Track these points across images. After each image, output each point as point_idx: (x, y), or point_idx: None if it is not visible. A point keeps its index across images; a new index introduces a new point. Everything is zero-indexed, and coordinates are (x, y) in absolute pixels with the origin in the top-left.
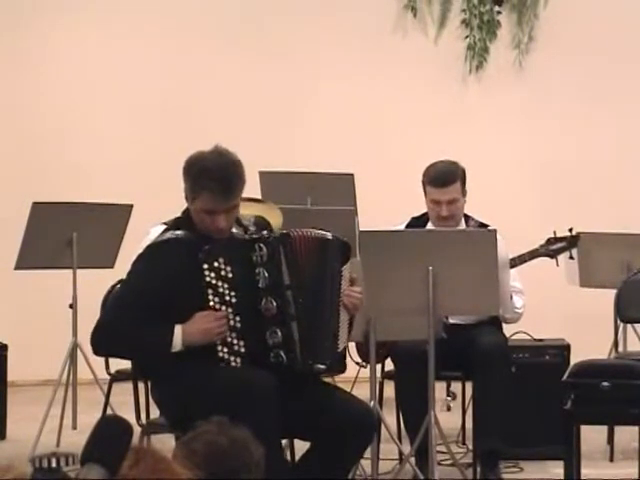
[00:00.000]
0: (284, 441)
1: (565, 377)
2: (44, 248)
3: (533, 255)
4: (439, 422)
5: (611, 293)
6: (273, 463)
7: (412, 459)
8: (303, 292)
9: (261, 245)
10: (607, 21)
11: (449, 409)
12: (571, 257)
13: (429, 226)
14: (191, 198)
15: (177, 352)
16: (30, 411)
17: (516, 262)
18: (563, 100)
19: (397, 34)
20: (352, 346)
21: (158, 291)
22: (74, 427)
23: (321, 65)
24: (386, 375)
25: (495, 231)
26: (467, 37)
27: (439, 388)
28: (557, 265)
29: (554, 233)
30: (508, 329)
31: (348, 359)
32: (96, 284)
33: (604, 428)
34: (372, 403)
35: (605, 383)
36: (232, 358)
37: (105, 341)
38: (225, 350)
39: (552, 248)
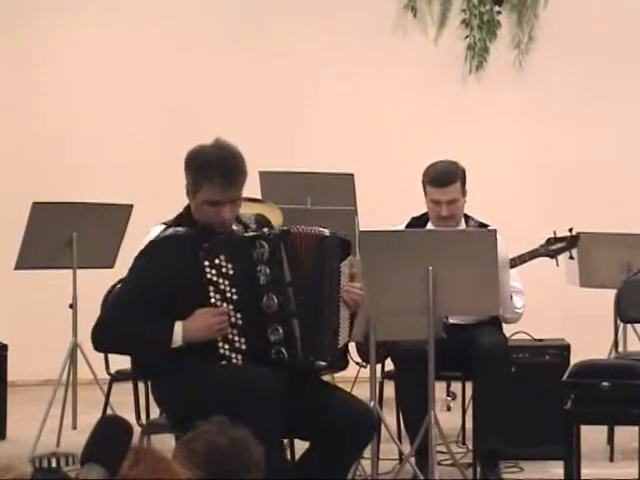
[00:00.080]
0: (284, 441)
1: (565, 377)
2: (44, 248)
3: (533, 255)
4: (439, 422)
5: (611, 293)
6: (274, 463)
7: (412, 459)
8: (303, 289)
9: (262, 242)
10: (607, 21)
11: (449, 409)
12: (571, 257)
13: (429, 226)
14: (193, 191)
15: (178, 349)
16: (30, 411)
17: (516, 262)
18: (563, 100)
19: (397, 34)
20: (352, 346)
21: (159, 288)
22: (74, 427)
23: (321, 65)
24: (386, 375)
25: (495, 231)
26: (467, 37)
27: (439, 388)
28: (557, 265)
29: (554, 233)
30: (508, 329)
31: (348, 358)
32: (96, 284)
33: (604, 428)
34: (372, 403)
35: (605, 383)
36: (233, 355)
37: (106, 337)
38: (226, 347)
39: (552, 248)
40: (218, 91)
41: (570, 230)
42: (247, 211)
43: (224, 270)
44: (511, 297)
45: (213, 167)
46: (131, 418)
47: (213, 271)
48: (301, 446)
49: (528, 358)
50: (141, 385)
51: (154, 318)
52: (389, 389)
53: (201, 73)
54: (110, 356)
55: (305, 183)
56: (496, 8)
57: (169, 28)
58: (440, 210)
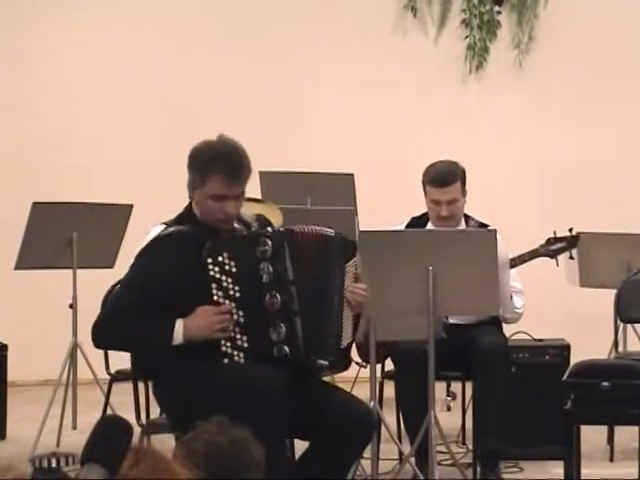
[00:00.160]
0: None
1: (565, 377)
2: (44, 248)
3: (533, 255)
4: (439, 422)
5: (611, 293)
6: (276, 462)
7: (412, 459)
8: (306, 288)
9: (266, 240)
10: (607, 21)
11: (449, 409)
12: (571, 257)
13: (429, 226)
14: (198, 186)
15: (179, 348)
16: (30, 411)
17: (516, 262)
18: (563, 100)
19: (397, 34)
20: (352, 346)
21: (161, 285)
22: (74, 427)
23: (321, 65)
24: (386, 375)
25: (495, 231)
26: (467, 37)
27: (439, 388)
28: (557, 265)
29: (554, 233)
30: (508, 329)
31: (351, 359)
32: (96, 284)
33: (604, 428)
34: (372, 403)
35: (605, 383)
36: (235, 353)
37: (106, 334)
38: (228, 345)
39: (552, 248)
40: (218, 91)
41: (570, 230)
42: (247, 211)
43: (227, 268)
44: (511, 297)
45: (220, 161)
46: (131, 418)
47: (216, 268)
48: (301, 446)
49: (528, 358)
50: (141, 385)
51: (155, 315)
52: (389, 389)
53: (201, 73)
54: (110, 356)
55: (305, 183)
56: (496, 8)
57: (169, 28)
58: (440, 210)
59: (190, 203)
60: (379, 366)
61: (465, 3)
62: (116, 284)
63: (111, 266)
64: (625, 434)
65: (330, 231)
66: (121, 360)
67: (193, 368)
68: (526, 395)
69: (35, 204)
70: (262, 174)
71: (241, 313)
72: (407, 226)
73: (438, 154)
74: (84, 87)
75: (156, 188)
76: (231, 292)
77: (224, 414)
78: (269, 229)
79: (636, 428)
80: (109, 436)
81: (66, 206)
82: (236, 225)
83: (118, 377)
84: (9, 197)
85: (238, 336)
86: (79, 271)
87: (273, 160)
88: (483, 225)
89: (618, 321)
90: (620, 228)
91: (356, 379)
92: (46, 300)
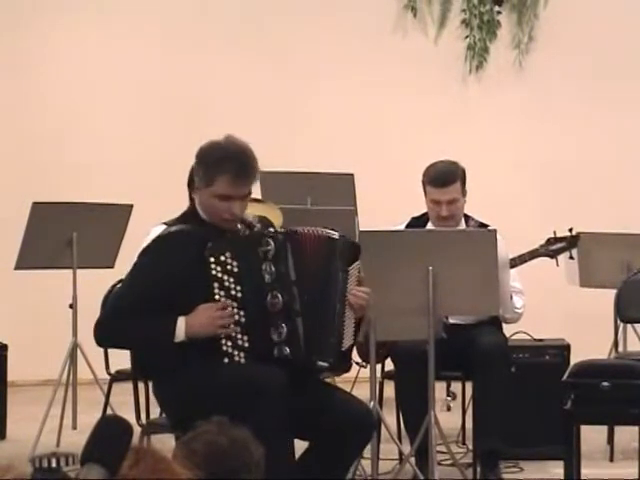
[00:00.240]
0: None
1: (565, 377)
2: (44, 248)
3: (533, 255)
4: (439, 422)
5: (611, 293)
6: (277, 462)
7: (412, 459)
8: (308, 289)
9: (268, 240)
10: (607, 21)
11: (449, 409)
12: (571, 257)
13: (429, 226)
14: (205, 185)
15: (181, 346)
16: (30, 411)
17: (516, 262)
18: (563, 100)
19: (397, 34)
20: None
21: (163, 283)
22: (74, 427)
23: (321, 65)
24: (386, 375)
25: (495, 231)
26: (467, 37)
27: (439, 388)
28: (557, 265)
29: (554, 233)
30: (508, 329)
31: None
32: (96, 284)
33: (604, 428)
34: (372, 403)
35: (605, 383)
36: (236, 352)
37: (109, 332)
38: (229, 344)
39: (552, 248)
40: (218, 91)
41: (570, 230)
42: (247, 211)
43: (229, 267)
44: (511, 297)
45: (228, 161)
46: (131, 418)
47: (218, 268)
48: (301, 446)
49: (528, 358)
50: (141, 385)
51: (158, 314)
52: (389, 389)
53: (201, 73)
54: (110, 356)
55: (305, 183)
56: (496, 8)
57: (169, 28)
58: (440, 210)
59: (193, 202)
60: (379, 366)
61: (465, 3)
62: (116, 284)
63: (111, 266)
64: (625, 434)
65: (334, 233)
66: (121, 360)
67: (194, 367)
68: (526, 395)
69: (35, 204)
70: (262, 174)
71: (242, 313)
72: (407, 226)
73: (438, 154)
74: (84, 87)
75: (156, 188)
76: (233, 292)
77: (225, 414)
78: (271, 230)
79: (636, 428)
80: (109, 436)
81: (66, 206)
82: (239, 226)
83: (118, 377)
84: (9, 197)
85: (239, 336)
86: (79, 271)
87: (273, 160)
88: (483, 225)
89: (618, 321)
90: (620, 228)
91: (356, 379)
92: (46, 300)
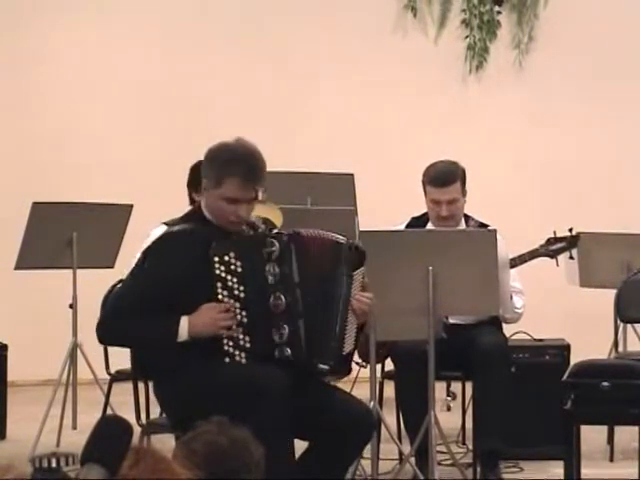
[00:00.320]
0: None
1: (565, 377)
2: (44, 248)
3: (533, 255)
4: (439, 422)
5: (611, 293)
6: (278, 462)
7: (412, 459)
8: (312, 291)
9: (273, 241)
10: (607, 21)
11: (449, 409)
12: (571, 257)
13: (429, 226)
14: (213, 186)
15: (183, 346)
16: (30, 411)
17: (516, 262)
18: (563, 100)
19: (397, 34)
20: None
21: (167, 282)
22: (74, 427)
23: (321, 65)
24: (386, 375)
25: (495, 231)
26: (467, 37)
27: (439, 388)
28: (557, 265)
29: (554, 233)
30: (508, 329)
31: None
32: (96, 284)
33: (604, 428)
34: (372, 403)
35: (605, 383)
36: (237, 352)
37: (112, 331)
38: (230, 344)
39: (552, 248)
40: (218, 91)
41: (570, 230)
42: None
43: (233, 267)
44: (511, 297)
45: (238, 164)
46: (131, 418)
47: (222, 267)
48: (301, 445)
49: (528, 358)
50: (141, 385)
51: (161, 313)
52: (389, 389)
53: (201, 73)
54: (110, 356)
55: (305, 183)
56: (496, 8)
57: (169, 28)
58: (440, 210)
59: (193, 202)
60: (379, 366)
61: (465, 3)
62: (116, 284)
63: (111, 266)
64: (625, 434)
65: (340, 237)
66: (121, 360)
67: (195, 367)
68: (526, 395)
69: (35, 204)
70: None
71: (244, 313)
72: (407, 226)
73: (438, 154)
74: (84, 87)
75: (156, 188)
76: (236, 292)
77: (225, 414)
78: (276, 231)
79: (636, 428)
80: (109, 436)
81: (66, 206)
82: (243, 227)
83: (118, 377)
84: (9, 197)
85: (241, 336)
86: (79, 271)
87: (273, 160)
88: (483, 225)
89: (618, 321)
90: (620, 228)
91: (356, 379)
92: (46, 300)
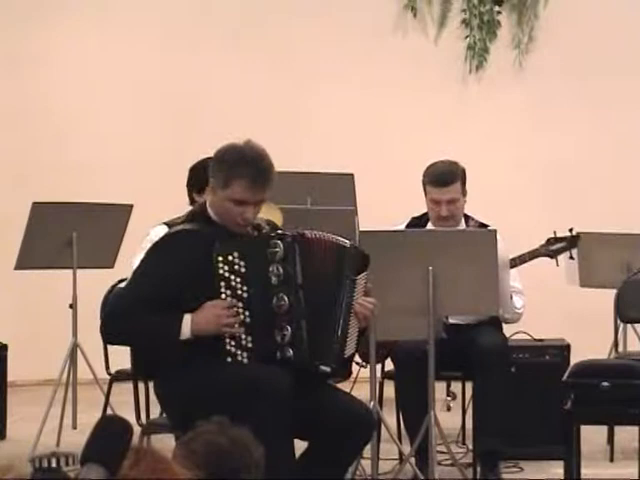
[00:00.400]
0: None
1: (565, 377)
2: (44, 248)
3: (533, 255)
4: (439, 422)
5: (611, 293)
6: (280, 462)
7: (412, 459)
8: (315, 293)
9: (277, 242)
10: (607, 21)
11: (449, 409)
12: (571, 257)
13: (429, 226)
14: (221, 187)
15: (185, 345)
16: (30, 411)
17: (516, 262)
18: (563, 100)
19: (397, 34)
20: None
21: (171, 281)
22: (74, 427)
23: (321, 65)
24: (386, 375)
25: (495, 231)
26: (467, 37)
27: (439, 388)
28: (557, 265)
29: (554, 233)
30: (508, 329)
31: (351, 370)
32: (96, 284)
33: (604, 428)
34: (372, 403)
35: (605, 383)
36: (239, 352)
37: (117, 329)
38: (233, 344)
39: (552, 248)
40: (218, 91)
41: (570, 230)
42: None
43: (236, 267)
44: (511, 297)
45: (247, 166)
46: (131, 418)
47: (226, 267)
48: (301, 445)
49: (528, 358)
50: (141, 385)
51: (164, 311)
52: (389, 389)
53: (201, 73)
54: (110, 356)
55: (305, 183)
56: (496, 8)
57: (169, 28)
58: (440, 210)
59: (192, 201)
60: (379, 366)
61: (465, 3)
62: (116, 284)
63: (111, 266)
64: (625, 434)
65: (345, 241)
66: (121, 360)
67: (197, 366)
68: (526, 395)
69: (35, 204)
70: None
71: (247, 313)
72: (407, 226)
73: (438, 154)
74: (84, 87)
75: (156, 188)
76: (239, 292)
77: (226, 413)
78: (280, 232)
79: (636, 428)
80: (109, 436)
81: (66, 206)
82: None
83: (118, 377)
84: (9, 197)
85: (243, 336)
86: (79, 271)
87: (273, 160)
88: (483, 225)
89: (618, 321)
90: (620, 228)
91: (356, 379)
92: (46, 300)
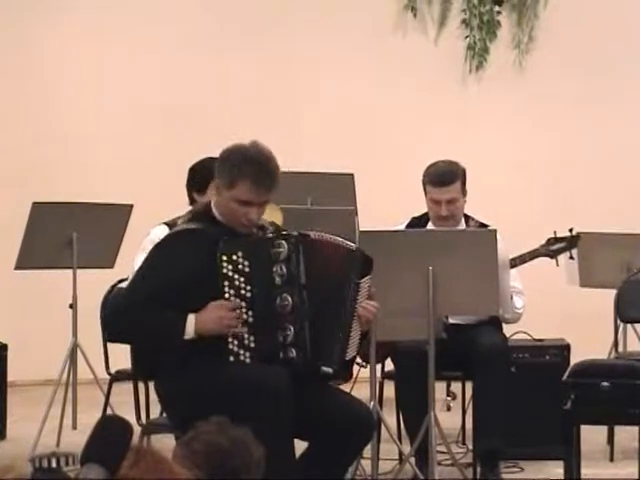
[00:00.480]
0: None
1: (565, 377)
2: (44, 248)
3: (533, 255)
4: (439, 422)
5: (611, 293)
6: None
7: (412, 459)
8: (318, 294)
9: (281, 242)
10: (607, 21)
11: (449, 409)
12: (571, 257)
13: (429, 226)
14: (226, 187)
15: (188, 344)
16: (30, 411)
17: (516, 262)
18: (563, 100)
19: (397, 34)
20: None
21: (174, 278)
22: (74, 427)
23: (321, 65)
24: (386, 375)
25: (495, 231)
26: (467, 37)
27: (439, 388)
28: (557, 265)
29: (554, 233)
30: (508, 329)
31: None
32: (96, 284)
33: (604, 428)
34: (372, 403)
35: (605, 383)
36: (241, 352)
37: (121, 327)
38: (235, 343)
39: (552, 248)
40: (218, 91)
41: (570, 230)
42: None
43: (240, 267)
44: (511, 297)
45: (253, 167)
46: (131, 418)
47: (229, 266)
48: (301, 446)
49: (528, 358)
50: (141, 385)
51: (168, 309)
52: (389, 389)
53: (201, 73)
54: (110, 356)
55: (305, 183)
56: (496, 8)
57: (169, 28)
58: (440, 210)
59: (192, 201)
60: (379, 366)
61: (465, 3)
62: (116, 284)
63: (111, 266)
64: (625, 434)
65: (351, 244)
66: (121, 360)
67: (199, 365)
68: (526, 395)
69: (35, 204)
70: None
71: (250, 313)
72: (407, 226)
73: (438, 154)
74: (84, 87)
75: (156, 188)
76: (242, 291)
77: (228, 413)
78: (285, 232)
79: (636, 428)
80: (109, 436)
81: (66, 206)
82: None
83: (118, 377)
84: (9, 197)
85: (246, 335)
86: (79, 271)
87: None
88: (483, 225)
89: (618, 321)
90: (620, 228)
91: (356, 379)
92: (46, 300)
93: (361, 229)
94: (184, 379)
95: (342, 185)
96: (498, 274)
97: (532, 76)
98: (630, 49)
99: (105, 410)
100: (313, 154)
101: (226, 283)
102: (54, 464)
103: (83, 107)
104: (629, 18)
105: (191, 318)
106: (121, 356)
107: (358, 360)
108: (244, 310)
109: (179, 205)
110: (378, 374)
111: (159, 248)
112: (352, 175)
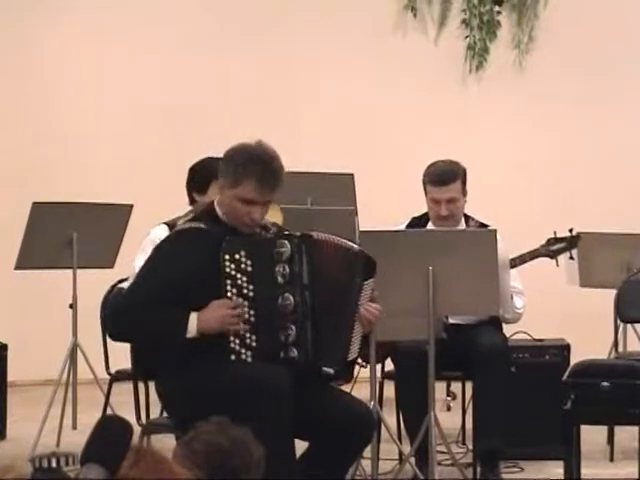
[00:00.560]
0: None
1: (565, 377)
2: (44, 248)
3: (533, 255)
4: (439, 422)
5: (611, 293)
6: (281, 462)
7: (412, 459)
8: (321, 294)
9: (284, 242)
10: (607, 21)
11: (449, 409)
12: (571, 257)
13: (429, 226)
14: (230, 186)
15: (189, 344)
16: (30, 411)
17: (516, 262)
18: (563, 100)
19: (397, 34)
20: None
21: (177, 277)
22: (74, 427)
23: (321, 65)
24: (386, 375)
25: (495, 231)
26: (467, 37)
27: (439, 388)
28: (557, 265)
29: (554, 233)
30: (508, 329)
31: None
32: (96, 284)
33: (604, 428)
34: (372, 403)
35: (605, 383)
36: (243, 351)
37: (122, 325)
38: (237, 342)
39: (552, 248)
40: (218, 91)
41: (570, 230)
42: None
43: (243, 266)
44: (511, 297)
45: (258, 166)
46: (131, 418)
47: (232, 265)
48: (301, 446)
49: (528, 358)
50: (141, 385)
51: (170, 308)
52: (389, 389)
53: (201, 73)
54: (110, 356)
55: (305, 183)
56: (496, 8)
57: (169, 28)
58: (440, 209)
59: (192, 201)
60: (379, 366)
61: (465, 3)
62: (116, 284)
63: (111, 266)
64: (625, 434)
65: (355, 246)
66: (121, 360)
67: (200, 364)
68: (526, 395)
69: (35, 204)
70: None
71: (253, 312)
72: (408, 226)
73: (438, 154)
74: (84, 87)
75: (156, 188)
76: (245, 290)
77: (228, 412)
78: (287, 232)
79: (636, 428)
80: (109, 436)
81: (66, 206)
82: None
83: (118, 377)
84: (9, 197)
85: (247, 335)
86: (79, 271)
87: None
88: (483, 225)
89: (618, 321)
90: (620, 228)
91: (356, 379)
92: (46, 300)
93: (361, 229)
94: (185, 378)
95: (342, 185)
96: (498, 274)
97: (532, 76)
98: (630, 49)
99: (105, 410)
100: (313, 154)
101: (228, 282)
102: (54, 464)
103: (83, 107)
104: (629, 18)
105: (193, 316)
106: (121, 356)
107: (358, 360)
108: (246, 309)
109: (179, 205)
110: (378, 374)
111: (162, 247)
112: (352, 175)
